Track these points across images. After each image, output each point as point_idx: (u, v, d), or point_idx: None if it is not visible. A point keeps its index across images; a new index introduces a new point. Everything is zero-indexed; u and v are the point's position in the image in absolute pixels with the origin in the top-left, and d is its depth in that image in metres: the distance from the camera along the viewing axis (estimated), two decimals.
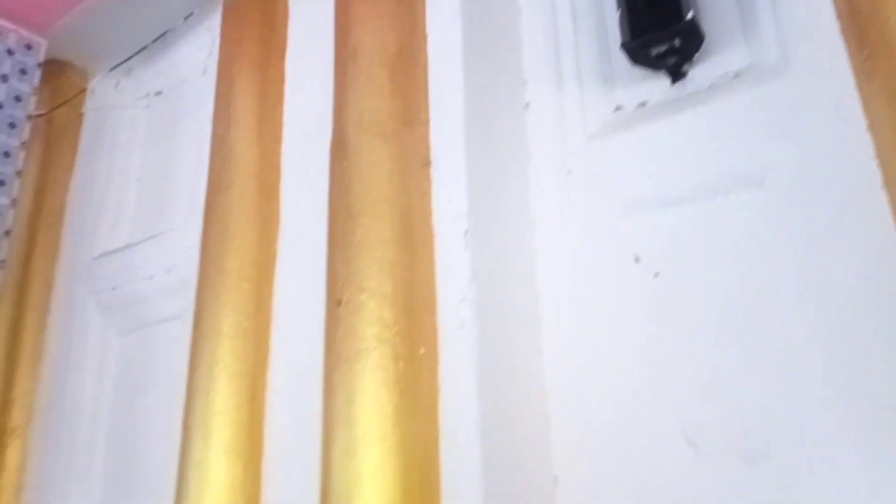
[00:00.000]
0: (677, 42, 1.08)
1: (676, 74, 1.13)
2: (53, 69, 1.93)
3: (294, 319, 1.24)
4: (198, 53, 1.80)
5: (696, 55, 1.11)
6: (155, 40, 1.92)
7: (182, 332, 1.54)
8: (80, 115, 1.99)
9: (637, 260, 1.11)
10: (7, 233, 1.68)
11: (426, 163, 1.13)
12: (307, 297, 1.19)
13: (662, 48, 1.09)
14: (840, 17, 0.96)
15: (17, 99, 1.73)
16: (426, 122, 1.16)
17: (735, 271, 1.01)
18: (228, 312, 1.24)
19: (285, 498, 1.14)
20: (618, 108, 1.19)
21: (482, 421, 0.99)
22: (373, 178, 1.10)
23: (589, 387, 1.08)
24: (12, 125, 1.71)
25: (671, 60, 1.11)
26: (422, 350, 1.02)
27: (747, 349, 0.98)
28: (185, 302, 1.54)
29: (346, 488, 0.95)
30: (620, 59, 1.16)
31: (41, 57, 1.83)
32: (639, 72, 1.16)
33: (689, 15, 1.05)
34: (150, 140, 1.88)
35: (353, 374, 1.00)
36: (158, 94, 1.90)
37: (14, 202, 1.71)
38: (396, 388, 0.98)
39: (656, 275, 1.08)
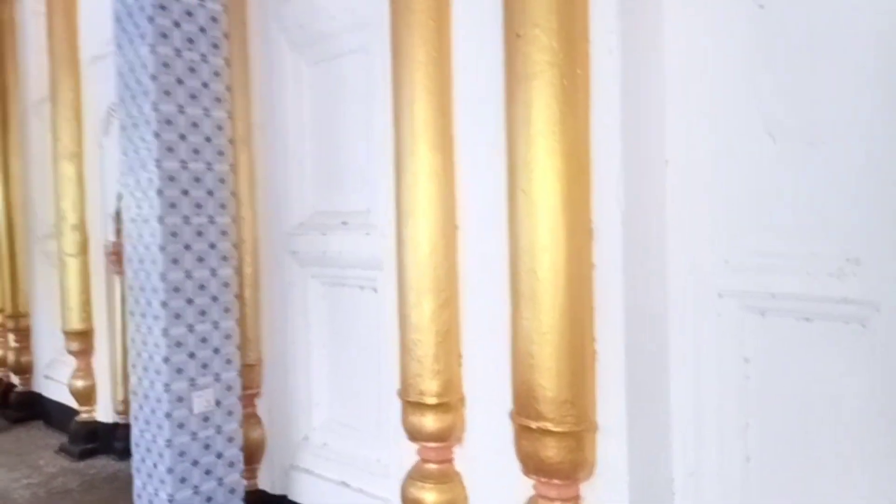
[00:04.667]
0: None
1: None
2: None
3: (470, 51, 1.64)
4: None
5: None
6: None
7: (365, 62, 1.97)
8: None
9: None
10: None
11: None
12: (482, 31, 1.58)
13: None
14: None
15: None
16: None
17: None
18: (420, 44, 1.64)
19: (475, 178, 1.65)
20: None
21: (623, 123, 1.41)
22: None
23: (694, 93, 1.47)
24: None
25: None
26: (579, 71, 1.42)
27: (826, 68, 1.32)
28: (366, 37, 1.94)
29: (526, 166, 1.43)
30: None
31: None
32: None
33: None
34: None
35: (530, 89, 1.42)
36: None
37: None
38: (562, 98, 1.40)
39: (761, 6, 1.39)
